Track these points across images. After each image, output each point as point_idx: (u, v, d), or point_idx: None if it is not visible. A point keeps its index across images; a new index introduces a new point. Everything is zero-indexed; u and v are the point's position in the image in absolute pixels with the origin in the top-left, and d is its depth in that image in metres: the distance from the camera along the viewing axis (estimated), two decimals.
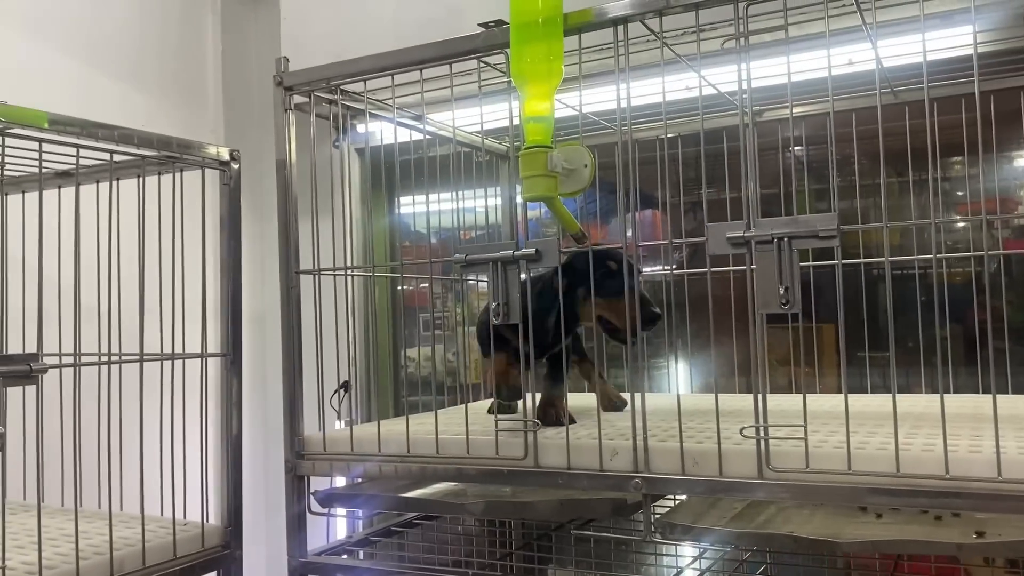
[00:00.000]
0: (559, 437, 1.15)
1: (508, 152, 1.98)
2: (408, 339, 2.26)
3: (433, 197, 1.35)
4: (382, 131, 1.50)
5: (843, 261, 1.05)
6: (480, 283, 1.68)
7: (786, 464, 1.00)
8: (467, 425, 1.19)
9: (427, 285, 2.06)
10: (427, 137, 1.57)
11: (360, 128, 2.11)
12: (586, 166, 1.11)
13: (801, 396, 1.02)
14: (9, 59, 1.78)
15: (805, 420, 0.98)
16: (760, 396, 1.01)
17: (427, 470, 1.23)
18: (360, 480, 1.41)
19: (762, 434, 1.01)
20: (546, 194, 1.08)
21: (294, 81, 1.33)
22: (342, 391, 2.22)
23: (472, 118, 1.62)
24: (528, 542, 1.55)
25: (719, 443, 1.04)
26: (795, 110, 1.68)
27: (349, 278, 1.39)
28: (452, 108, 1.27)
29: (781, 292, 0.99)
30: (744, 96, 1.03)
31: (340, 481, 1.44)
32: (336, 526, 1.51)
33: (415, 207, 1.68)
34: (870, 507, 1.15)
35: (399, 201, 2.23)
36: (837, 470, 0.98)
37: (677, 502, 1.30)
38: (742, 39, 1.02)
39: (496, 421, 1.17)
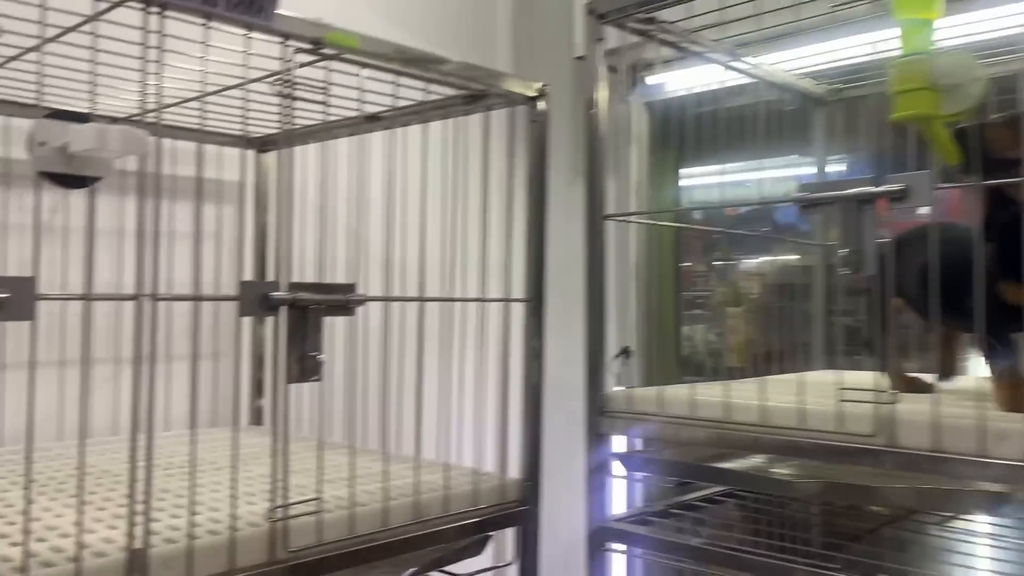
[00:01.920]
0: (919, 413, 0.96)
1: (825, 97, 1.76)
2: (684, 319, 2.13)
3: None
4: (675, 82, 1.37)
5: None
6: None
7: None
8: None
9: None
10: (751, 81, 1.41)
11: (649, 81, 2.00)
12: (975, 80, 0.90)
13: None
14: (321, 13, 1.85)
15: None
16: None
17: (748, 439, 1.08)
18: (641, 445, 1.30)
19: None
20: (925, 112, 0.88)
21: (608, 7, 1.22)
22: (624, 356, 2.13)
23: (792, 59, 1.44)
24: (859, 534, 1.35)
25: None
26: None
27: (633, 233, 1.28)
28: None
29: None
30: None
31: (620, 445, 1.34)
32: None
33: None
34: None
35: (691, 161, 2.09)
36: None
37: None
38: None
39: (841, 389, 1.00)
